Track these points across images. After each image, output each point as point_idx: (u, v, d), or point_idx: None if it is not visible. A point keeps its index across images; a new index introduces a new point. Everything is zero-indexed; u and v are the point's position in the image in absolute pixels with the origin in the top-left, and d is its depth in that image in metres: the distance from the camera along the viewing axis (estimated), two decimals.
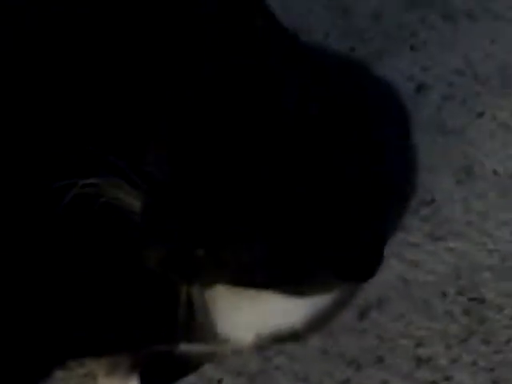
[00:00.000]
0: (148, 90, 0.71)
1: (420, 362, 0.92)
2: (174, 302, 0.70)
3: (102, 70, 0.73)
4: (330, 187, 0.66)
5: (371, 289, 0.92)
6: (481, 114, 1.06)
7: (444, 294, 0.96)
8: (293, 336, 0.76)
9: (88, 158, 0.69)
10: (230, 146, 0.65)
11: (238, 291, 0.70)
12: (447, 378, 0.92)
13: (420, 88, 1.07)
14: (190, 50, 0.70)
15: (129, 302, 0.74)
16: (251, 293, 0.70)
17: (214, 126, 0.65)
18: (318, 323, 0.76)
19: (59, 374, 0.86)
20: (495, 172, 1.03)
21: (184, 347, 0.78)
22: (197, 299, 0.70)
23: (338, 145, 0.68)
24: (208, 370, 0.90)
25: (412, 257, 0.97)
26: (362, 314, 0.93)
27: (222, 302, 0.72)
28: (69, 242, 0.72)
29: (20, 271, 0.74)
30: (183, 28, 0.72)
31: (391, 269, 0.95)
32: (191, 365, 0.89)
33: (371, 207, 0.69)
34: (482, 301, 0.96)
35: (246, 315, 0.73)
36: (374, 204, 0.69)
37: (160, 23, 0.73)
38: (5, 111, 0.74)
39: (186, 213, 0.65)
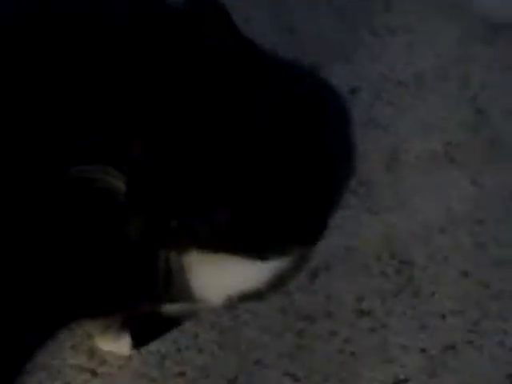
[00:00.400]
0: (131, 89, 0.71)
1: (361, 313, 0.95)
2: (155, 269, 0.71)
3: (95, 71, 0.72)
4: (287, 172, 0.67)
5: (320, 255, 0.94)
6: (403, 111, 1.08)
7: (379, 258, 0.98)
8: (257, 295, 0.76)
9: (80, 148, 0.70)
10: (193, 134, 0.66)
11: (210, 258, 0.70)
12: (383, 326, 0.94)
13: (354, 91, 1.09)
14: (165, 59, 0.70)
15: (117, 271, 0.73)
16: (222, 259, 0.70)
17: (179, 118, 0.67)
18: (277, 283, 0.76)
19: (62, 334, 0.86)
20: (417, 157, 1.05)
21: (166, 307, 0.79)
22: (174, 265, 0.71)
23: (293, 134, 0.69)
24: (187, 325, 0.91)
25: (352, 228, 0.99)
26: (313, 276, 0.96)
27: (197, 267, 0.72)
28: (65, 218, 0.72)
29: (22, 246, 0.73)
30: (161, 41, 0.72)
31: (335, 239, 0.96)
32: (173, 321, 0.89)
33: (319, 187, 0.71)
34: (409, 262, 0.98)
35: (218, 279, 0.73)
36: (321, 185, 0.72)
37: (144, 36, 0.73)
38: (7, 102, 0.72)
39: (160, 190, 0.66)
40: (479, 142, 1.08)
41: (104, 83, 0.72)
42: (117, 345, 0.88)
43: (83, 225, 0.72)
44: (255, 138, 0.67)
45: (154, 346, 0.90)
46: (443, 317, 0.96)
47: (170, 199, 0.66)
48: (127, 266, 0.73)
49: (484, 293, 0.98)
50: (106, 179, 0.69)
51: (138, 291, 0.75)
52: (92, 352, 0.88)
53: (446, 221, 1.02)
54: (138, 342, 0.89)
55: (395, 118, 1.08)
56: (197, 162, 0.66)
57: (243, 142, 0.66)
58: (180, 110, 0.67)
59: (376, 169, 1.03)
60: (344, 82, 1.08)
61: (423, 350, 0.93)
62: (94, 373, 0.88)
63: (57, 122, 0.72)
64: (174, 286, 0.72)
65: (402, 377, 0.92)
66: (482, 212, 1.03)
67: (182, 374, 0.89)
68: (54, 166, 0.70)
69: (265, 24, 1.12)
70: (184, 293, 0.73)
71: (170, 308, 0.79)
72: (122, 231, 0.68)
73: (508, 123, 1.10)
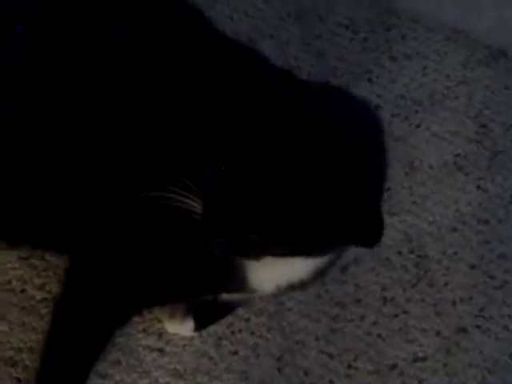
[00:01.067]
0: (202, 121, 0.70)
1: (385, 301, 0.98)
2: (220, 266, 0.73)
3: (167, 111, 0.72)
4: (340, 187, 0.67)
5: (349, 251, 0.92)
6: (418, 126, 1.10)
7: (400, 253, 1.01)
8: (301, 285, 0.77)
9: (158, 174, 0.71)
10: (263, 161, 0.66)
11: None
12: (405, 312, 0.98)
13: (375, 108, 1.10)
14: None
15: (188, 268, 0.75)
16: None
17: (251, 147, 0.67)
18: (317, 275, 0.77)
19: (135, 319, 0.89)
20: (430, 166, 1.08)
21: (225, 296, 0.81)
22: (238, 264, 0.73)
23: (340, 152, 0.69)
24: (240, 311, 0.94)
25: None
26: (344, 269, 0.98)
27: (255, 265, 0.72)
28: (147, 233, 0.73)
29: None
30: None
31: None
32: (229, 308, 0.92)
33: (368, 195, 0.70)
34: (426, 257, 1.02)
35: (270, 272, 0.74)
36: (369, 192, 0.71)
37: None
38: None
39: (236, 209, 0.66)
40: (483, 152, 1.11)
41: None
42: (182, 327, 0.90)
43: (163, 238, 0.74)
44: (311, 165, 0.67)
45: (212, 328, 0.93)
46: (454, 303, 1.00)
47: (248, 216, 0.66)
48: (198, 265, 0.74)
49: (490, 283, 1.01)
50: (182, 201, 0.68)
51: (202, 284, 0.78)
52: (160, 334, 0.91)
53: (456, 221, 1.05)
54: (200, 326, 0.91)
55: (411, 132, 1.10)
56: (266, 183, 0.66)
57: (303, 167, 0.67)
58: (258, 134, 0.67)
59: (396, 176, 1.05)
60: (367, 101, 1.06)
61: (438, 333, 0.97)
62: (162, 351, 0.91)
63: (134, 151, 0.73)
64: (235, 279, 0.75)
65: (420, 355, 0.96)
66: (486, 213, 1.06)
67: (235, 353, 0.92)
68: (137, 190, 0.71)
69: (299, 50, 1.13)
70: (243, 285, 0.76)
71: (228, 297, 0.82)
72: (198, 244, 0.69)
73: (507, 136, 1.13)
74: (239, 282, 0.76)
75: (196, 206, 0.68)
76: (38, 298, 0.92)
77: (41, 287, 0.93)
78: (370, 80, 1.14)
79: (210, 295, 0.82)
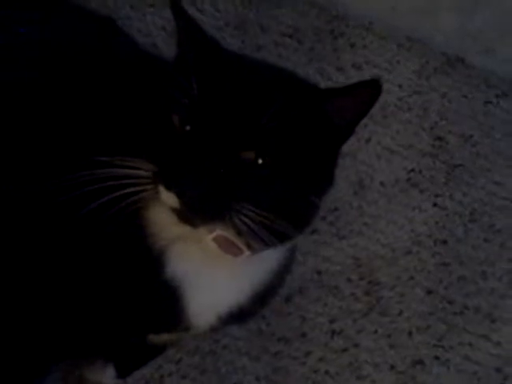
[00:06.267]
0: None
1: (334, 334, 0.89)
2: (150, 298, 0.64)
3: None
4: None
5: (293, 279, 0.88)
6: (368, 140, 1.01)
7: (349, 280, 0.92)
8: (241, 315, 0.69)
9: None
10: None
11: (206, 272, 0.64)
12: (356, 345, 0.89)
13: None
14: None
15: (109, 302, 0.66)
16: (215, 272, 0.64)
17: None
18: (258, 302, 0.70)
19: (54, 366, 0.78)
20: (382, 184, 0.99)
21: (153, 337, 0.73)
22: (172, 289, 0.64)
23: None
24: (169, 352, 0.84)
25: (323, 253, 0.93)
26: (287, 300, 0.90)
27: (192, 286, 0.65)
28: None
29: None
30: None
31: (308, 263, 0.91)
32: (157, 350, 0.83)
33: None
34: (377, 283, 0.93)
35: (209, 296, 0.66)
36: None
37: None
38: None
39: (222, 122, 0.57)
40: (439, 166, 1.01)
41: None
42: (103, 375, 0.80)
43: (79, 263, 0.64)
44: None
45: (138, 373, 0.83)
46: (410, 334, 0.90)
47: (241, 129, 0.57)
48: (122, 299, 0.66)
49: (449, 309, 0.92)
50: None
51: (131, 324, 0.69)
52: (80, 382, 0.81)
53: (411, 242, 0.96)
54: (124, 372, 0.81)
55: (361, 147, 1.00)
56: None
57: None
58: None
59: (343, 196, 0.96)
60: None
61: (392, 367, 0.88)
62: None
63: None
64: (169, 313, 0.66)
65: None
66: (444, 232, 0.97)
67: None
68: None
69: None
70: (178, 319, 0.66)
71: (157, 338, 0.73)
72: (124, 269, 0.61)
73: (464, 148, 1.03)
74: (173, 316, 0.66)
75: (142, 172, 0.57)
76: None
77: None
78: None
79: (135, 337, 0.73)
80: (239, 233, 0.59)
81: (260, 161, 0.57)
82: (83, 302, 0.65)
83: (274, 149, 0.57)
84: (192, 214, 0.57)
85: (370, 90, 0.60)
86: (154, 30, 1.04)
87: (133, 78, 0.71)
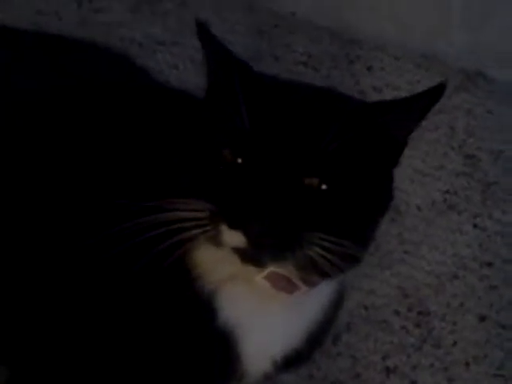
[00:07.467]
0: None
1: (389, 372, 0.84)
2: (198, 351, 0.59)
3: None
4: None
5: (340, 318, 0.79)
6: (400, 164, 0.98)
7: (397, 313, 0.87)
8: (296, 359, 0.64)
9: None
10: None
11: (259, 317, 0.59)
12: (412, 382, 0.83)
13: None
14: None
15: (156, 362, 0.60)
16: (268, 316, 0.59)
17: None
18: (313, 343, 0.65)
19: None
20: (419, 208, 0.95)
21: None
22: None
23: None
24: None
25: (367, 286, 0.88)
26: (336, 339, 0.84)
27: (248, 322, 0.60)
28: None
29: None
30: None
31: (353, 298, 0.86)
32: None
33: None
34: (427, 313, 0.87)
35: (264, 338, 0.61)
36: None
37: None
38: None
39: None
40: (474, 185, 0.97)
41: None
42: None
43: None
44: None
45: None
46: (467, 364, 0.85)
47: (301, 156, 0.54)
48: (173, 353, 0.60)
49: (504, 334, 0.87)
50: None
51: (183, 380, 0.62)
52: None
53: (456, 267, 0.91)
54: None
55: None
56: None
57: None
58: None
59: (381, 224, 0.92)
60: None
61: None
62: None
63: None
64: (223, 362, 0.60)
65: None
66: (488, 254, 0.92)
67: None
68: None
69: None
70: (232, 366, 0.61)
71: None
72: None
73: (497, 165, 0.99)
74: (227, 366, 0.60)
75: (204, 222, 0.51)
76: None
77: None
78: None
79: None
80: (301, 267, 0.54)
81: (324, 186, 0.53)
82: (130, 357, 0.60)
83: (336, 172, 0.53)
84: (260, 251, 0.52)
85: (432, 97, 0.59)
86: (166, 69, 1.00)
87: (160, 116, 0.67)
